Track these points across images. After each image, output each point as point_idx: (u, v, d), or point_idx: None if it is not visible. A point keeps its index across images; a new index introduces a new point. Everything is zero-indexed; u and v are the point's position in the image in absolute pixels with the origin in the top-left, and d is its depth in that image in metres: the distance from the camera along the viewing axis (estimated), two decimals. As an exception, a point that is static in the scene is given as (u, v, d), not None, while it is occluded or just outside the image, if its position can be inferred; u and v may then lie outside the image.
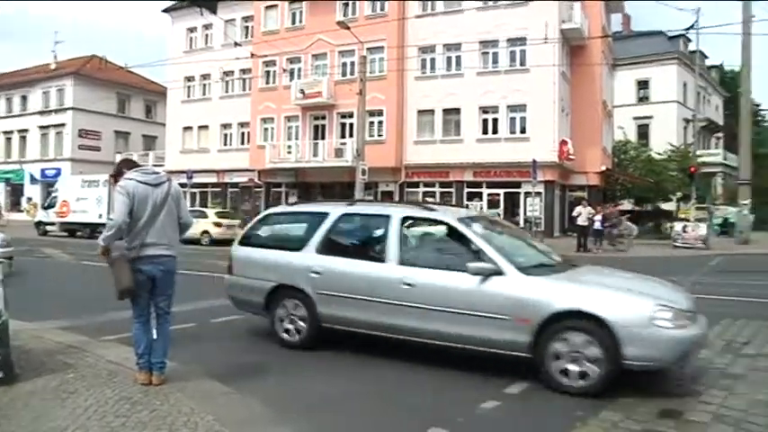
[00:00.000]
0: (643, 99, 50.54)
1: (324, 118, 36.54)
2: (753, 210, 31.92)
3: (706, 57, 56.66)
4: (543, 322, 5.71)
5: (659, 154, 40.58)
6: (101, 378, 5.50)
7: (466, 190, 32.80)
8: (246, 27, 39.97)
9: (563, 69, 32.10)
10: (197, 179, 36.72)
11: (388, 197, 34.26)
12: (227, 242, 27.45)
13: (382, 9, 34.48)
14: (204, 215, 28.74)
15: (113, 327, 7.58)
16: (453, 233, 6.67)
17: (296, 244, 7.45)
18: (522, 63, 31.62)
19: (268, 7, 38.25)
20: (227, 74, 40.52)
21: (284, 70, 36.82)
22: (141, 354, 5.36)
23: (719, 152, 53.14)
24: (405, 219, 6.95)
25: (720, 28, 53.02)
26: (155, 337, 5.39)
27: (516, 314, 5.83)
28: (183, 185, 31.47)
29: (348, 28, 28.25)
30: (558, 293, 5.84)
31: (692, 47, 50.48)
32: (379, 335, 6.72)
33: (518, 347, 5.87)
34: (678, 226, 28.30)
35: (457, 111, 33.04)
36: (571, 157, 31.55)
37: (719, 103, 61.30)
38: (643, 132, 48.96)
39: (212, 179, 40.23)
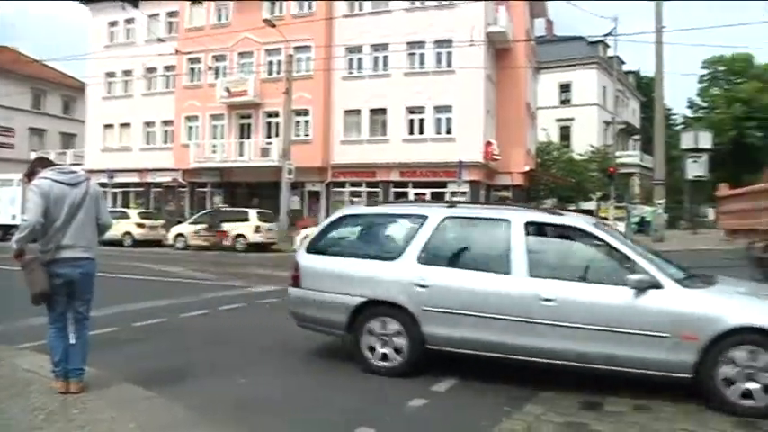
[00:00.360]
0: (565, 102, 52.13)
1: (250, 117, 36.01)
2: (667, 209, 33.32)
3: (623, 62, 58.89)
4: (713, 339, 5.15)
5: (580, 155, 41.96)
6: (15, 388, 5.22)
7: (392, 190, 32.87)
8: (170, 23, 38.96)
9: (488, 72, 32.64)
10: (119, 179, 35.76)
11: (314, 198, 34.12)
12: (151, 243, 27.25)
13: (309, 8, 34.23)
14: (126, 216, 28.02)
15: (29, 334, 7.19)
16: (590, 241, 5.98)
17: (389, 252, 6.45)
18: (449, 65, 31.97)
19: (193, 3, 37.35)
20: (150, 70, 39.34)
21: (209, 68, 36.04)
22: (57, 361, 5.10)
23: (636, 154, 55.25)
24: (528, 224, 6.05)
25: (636, 36, 55.09)
26: (72, 342, 5.13)
27: (678, 331, 5.24)
28: (103, 185, 30.77)
29: (274, 26, 27.97)
30: (729, 308, 5.32)
31: (610, 53, 52.47)
32: (501, 357, 5.90)
33: (678, 368, 5.28)
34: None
35: (384, 111, 33.13)
36: (496, 157, 32.13)
37: (636, 107, 63.74)
38: (565, 134, 50.50)
39: (135, 179, 38.93)
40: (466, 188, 30.02)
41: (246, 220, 25.66)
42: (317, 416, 5.21)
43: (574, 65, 50.75)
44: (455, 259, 6.22)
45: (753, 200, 9.47)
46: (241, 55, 35.97)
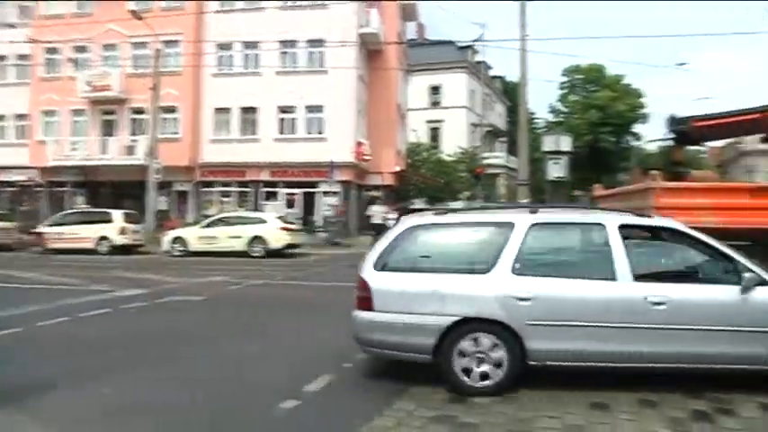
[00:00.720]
0: (435, 104, 53.45)
1: (114, 113, 34.40)
2: (529, 207, 35.00)
3: (491, 67, 61.28)
4: None
5: (449, 156, 43.24)
6: None
7: (263, 190, 32.62)
8: (23, 7, 36.29)
9: (360, 72, 33.06)
10: (-36, 176, 33.02)
11: (182, 198, 33.20)
12: (1, 248, 25.33)
13: (179, 2, 33.15)
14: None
15: None
16: (686, 241, 5.89)
17: (477, 264, 5.85)
18: (321, 65, 32.10)
19: (49, -11, 35.06)
20: (-1, 58, 36.67)
21: (70, 60, 34.15)
22: None
23: (502, 155, 57.57)
24: (622, 227, 5.83)
25: (503, 42, 57.61)
26: None
27: None
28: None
29: (141, 18, 27.00)
30: None
31: (479, 58, 54.46)
32: (604, 366, 5.66)
33: None
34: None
35: (255, 110, 32.79)
36: (367, 157, 32.61)
37: (502, 111, 66.42)
38: (435, 135, 51.85)
39: (-17, 177, 36.15)
40: (338, 188, 30.33)
41: (110, 221, 24.50)
42: (178, 428, 5.10)
43: (444, 68, 52.13)
44: (552, 268, 5.84)
45: (625, 199, 10.30)
46: (105, 47, 34.25)
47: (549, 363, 5.65)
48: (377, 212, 25.94)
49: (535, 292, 5.56)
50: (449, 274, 5.83)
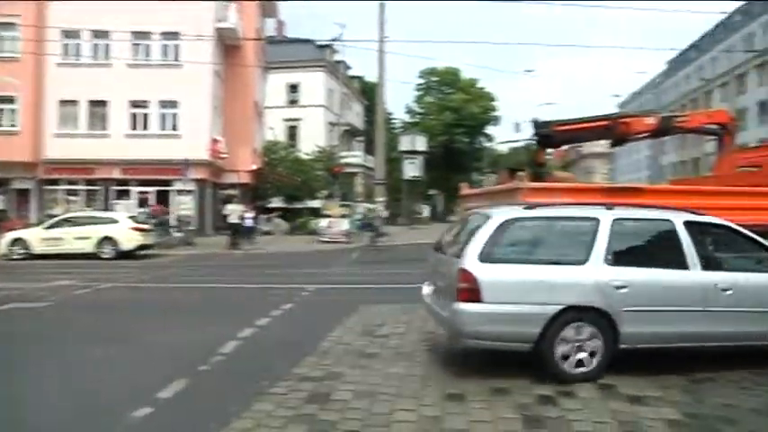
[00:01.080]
0: (293, 102, 53.33)
1: (-62, 101, 31.41)
2: (387, 206, 35.92)
3: (349, 67, 61.94)
4: None
5: (307, 154, 43.31)
6: None
7: (114, 188, 31.12)
8: None
9: (217, 68, 32.41)
10: None
11: (23, 196, 30.92)
12: None
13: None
14: None
15: None
16: (735, 236, 6.69)
17: (573, 256, 6.16)
18: (176, 58, 31.16)
19: None
20: None
21: None
22: None
23: (360, 154, 58.39)
24: (686, 223, 6.49)
25: (361, 43, 58.56)
26: None
27: None
28: None
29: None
30: None
31: (338, 57, 54.83)
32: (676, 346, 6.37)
33: None
34: (323, 222, 30.53)
35: (104, 103, 31.21)
36: (223, 155, 32.05)
37: (360, 110, 67.33)
38: (293, 134, 51.73)
39: None
40: (192, 186, 29.52)
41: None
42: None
43: (302, 66, 52.12)
44: (636, 259, 6.32)
45: (492, 198, 10.84)
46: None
47: (639, 346, 6.17)
48: (233, 211, 25.57)
49: (628, 281, 6.04)
50: (548, 265, 6.12)
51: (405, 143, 52.03)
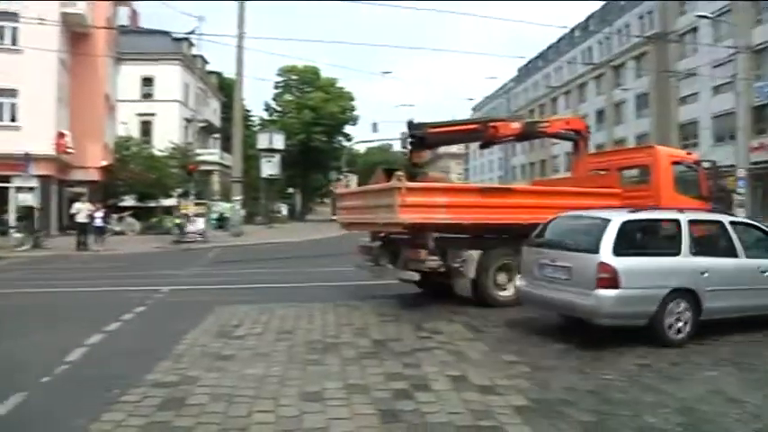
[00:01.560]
0: (147, 96, 51.03)
1: None
2: (244, 205, 35.30)
3: (207, 62, 60.36)
4: None
5: (161, 151, 41.58)
6: None
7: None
8: None
9: (63, 56, 30.38)
10: None
11: None
12: None
13: None
14: None
15: None
16: (759, 233, 8.85)
17: (668, 249, 7.92)
18: (15, 42, 28.83)
19: None
20: None
21: None
22: None
23: (216, 152, 57.07)
24: (731, 222, 8.51)
25: (220, 38, 56.95)
26: None
27: None
28: None
29: None
30: None
31: (195, 51, 53.19)
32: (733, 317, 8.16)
33: None
34: (179, 221, 29.51)
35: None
36: (70, 150, 30.14)
37: (217, 107, 65.79)
38: (146, 129, 49.45)
39: None
40: (35, 183, 27.37)
41: None
42: None
43: (158, 59, 50.10)
44: (707, 250, 8.12)
45: (368, 198, 10.93)
46: None
47: (715, 317, 7.90)
48: (81, 210, 24.04)
49: (707, 267, 7.81)
50: (656, 257, 7.89)
51: (263, 141, 51.47)
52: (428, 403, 5.37)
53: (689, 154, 14.45)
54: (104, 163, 33.54)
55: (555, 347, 7.51)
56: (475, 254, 10.46)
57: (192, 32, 41.02)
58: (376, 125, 60.02)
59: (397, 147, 78.23)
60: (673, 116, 48.30)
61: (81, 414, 5.06)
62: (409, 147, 12.24)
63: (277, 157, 50.49)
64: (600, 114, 59.84)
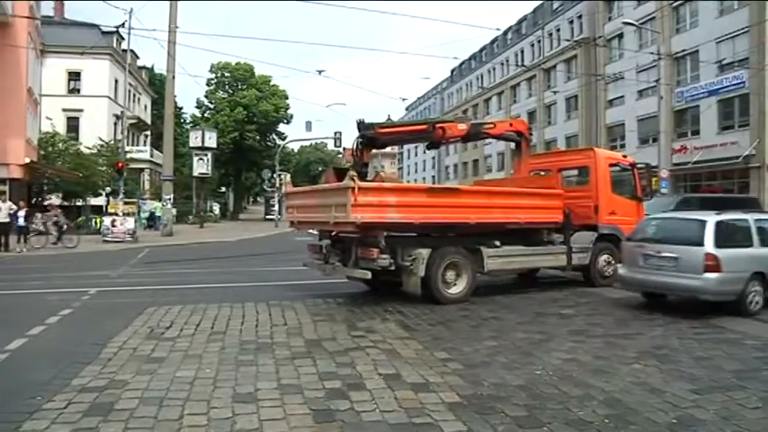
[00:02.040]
0: (74, 91, 49.28)
1: None
2: (175, 204, 34.57)
3: (138, 57, 58.78)
4: None
5: (89, 148, 40.25)
6: None
7: None
8: None
9: (-19, 48, 29.04)
10: None
11: None
12: None
13: None
14: None
15: None
16: None
17: (744, 242, 10.13)
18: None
19: None
20: None
21: None
22: None
23: (147, 149, 55.68)
24: (755, 220, 10.57)
25: (152, 32, 55.67)
26: None
27: None
28: None
29: None
30: None
31: (124, 45, 51.65)
32: None
33: None
34: (107, 220, 28.73)
35: None
36: (-11, 146, 28.84)
37: (148, 103, 64.21)
38: (73, 125, 47.55)
39: None
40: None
41: None
42: None
43: (84, 53, 48.32)
44: (761, 242, 10.24)
45: (320, 197, 10.99)
46: None
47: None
48: (2, 209, 23.01)
49: None
50: (738, 248, 9.99)
51: (195, 139, 50.50)
52: (362, 402, 5.42)
53: (625, 156, 15.38)
54: (28, 160, 32.22)
55: (487, 345, 7.67)
56: (424, 252, 10.72)
57: (120, 26, 39.80)
58: (310, 124, 59.68)
59: (330, 146, 78.31)
60: (600, 118, 49.82)
61: (-1, 426, 4.86)
62: (359, 146, 12.32)
63: (209, 155, 49.63)
64: (531, 115, 61.25)
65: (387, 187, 10.98)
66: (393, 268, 10.58)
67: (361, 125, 12.21)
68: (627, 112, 46.09)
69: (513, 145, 15.03)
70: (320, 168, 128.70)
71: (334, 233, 11.84)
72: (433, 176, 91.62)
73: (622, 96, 46.98)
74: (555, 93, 56.69)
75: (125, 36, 45.71)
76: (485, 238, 11.75)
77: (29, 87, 33.74)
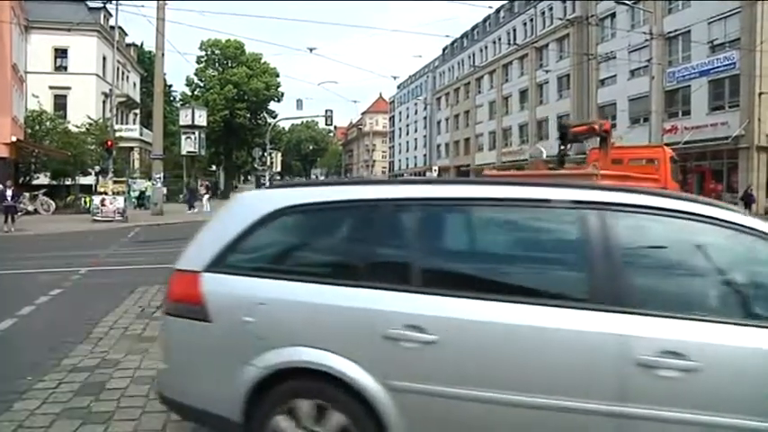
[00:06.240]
0: (61, 68, 48.61)
1: None
2: (165, 182, 34.38)
3: (126, 34, 58.09)
4: None
5: (77, 127, 39.85)
6: None
7: None
8: None
9: (-36, 24, 28.61)
10: None
11: None
12: None
13: None
14: None
15: None
16: None
17: None
18: None
19: None
20: None
21: None
22: None
23: (136, 128, 55.18)
24: None
25: (140, 9, 55.06)
26: None
27: None
28: None
29: None
30: None
31: (112, 22, 51.00)
32: None
33: None
34: (97, 200, 28.53)
35: None
36: (-24, 124, 28.50)
37: (137, 81, 63.57)
38: (61, 103, 46.93)
39: None
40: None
41: None
42: None
43: (71, 29, 47.65)
44: None
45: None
46: None
47: None
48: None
49: None
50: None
51: (185, 117, 50.10)
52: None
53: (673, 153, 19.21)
54: (14, 138, 31.88)
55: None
56: None
57: (108, 1, 39.29)
58: (301, 102, 59.49)
59: (321, 124, 78.00)
60: (592, 98, 49.73)
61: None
62: (562, 141, 17.21)
63: (198, 133, 49.29)
64: (523, 94, 61.08)
65: (621, 175, 13.33)
66: None
67: (561, 125, 16.22)
68: (618, 91, 46.03)
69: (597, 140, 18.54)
70: (311, 147, 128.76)
71: None
72: (425, 155, 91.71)
73: (614, 76, 46.86)
74: (547, 72, 56.46)
75: (113, 12, 45.39)
76: None
77: (13, 64, 33.33)
